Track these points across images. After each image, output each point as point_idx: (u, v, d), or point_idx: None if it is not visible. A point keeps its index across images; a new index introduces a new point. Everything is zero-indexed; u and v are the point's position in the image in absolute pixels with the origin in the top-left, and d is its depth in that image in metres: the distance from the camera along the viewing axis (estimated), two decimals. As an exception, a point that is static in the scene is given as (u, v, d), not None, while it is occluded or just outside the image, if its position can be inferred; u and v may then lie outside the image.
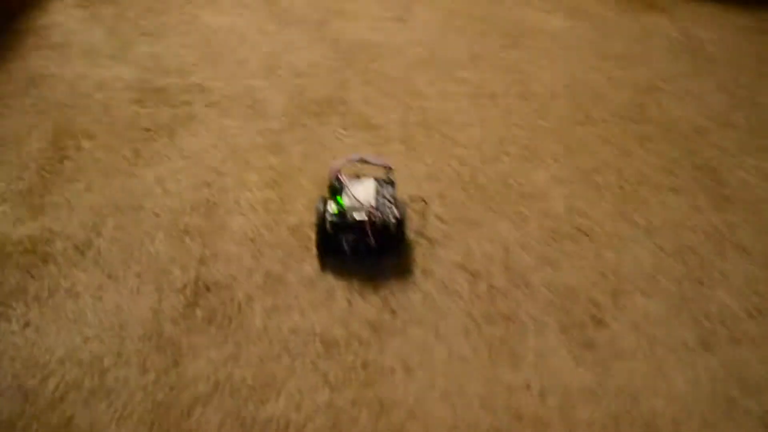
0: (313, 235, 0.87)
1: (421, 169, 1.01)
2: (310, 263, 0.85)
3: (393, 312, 0.80)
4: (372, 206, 0.83)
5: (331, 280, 0.83)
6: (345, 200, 0.83)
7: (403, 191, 0.92)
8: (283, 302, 0.81)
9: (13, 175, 0.97)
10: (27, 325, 0.78)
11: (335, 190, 0.86)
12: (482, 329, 0.79)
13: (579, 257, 0.89)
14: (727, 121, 1.15)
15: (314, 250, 0.86)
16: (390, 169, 0.89)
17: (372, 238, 0.82)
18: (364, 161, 0.91)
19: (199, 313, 0.79)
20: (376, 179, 0.87)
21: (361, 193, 0.84)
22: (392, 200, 0.85)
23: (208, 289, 0.82)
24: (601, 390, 0.74)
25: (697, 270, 0.88)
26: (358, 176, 0.89)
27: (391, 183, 0.88)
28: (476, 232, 0.91)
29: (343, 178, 0.86)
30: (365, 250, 0.84)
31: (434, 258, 0.87)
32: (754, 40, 1.39)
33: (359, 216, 0.82)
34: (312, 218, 0.89)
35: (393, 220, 0.83)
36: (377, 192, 0.85)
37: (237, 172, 0.99)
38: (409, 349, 0.77)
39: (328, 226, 0.83)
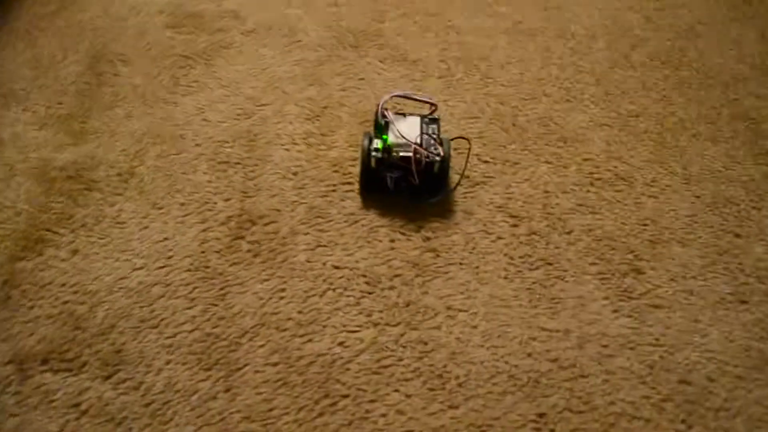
0: (355, 171, 0.87)
1: (461, 107, 1.00)
2: (353, 199, 0.86)
3: (435, 252, 0.81)
4: (417, 143, 0.82)
5: (373, 218, 0.84)
6: (390, 137, 0.82)
7: (444, 129, 0.92)
8: (326, 238, 0.82)
9: (53, 100, 0.96)
10: (75, 252, 0.79)
11: (380, 126, 0.85)
12: (523, 273, 0.80)
13: (618, 204, 0.89)
14: (767, 71, 1.12)
15: (357, 186, 0.85)
16: (435, 106, 0.88)
17: (416, 176, 0.82)
18: (409, 97, 0.90)
19: (244, 245, 0.80)
20: (422, 117, 0.86)
21: (406, 130, 0.83)
22: (437, 138, 0.84)
23: (252, 222, 0.82)
24: (637, 339, 0.75)
25: (733, 222, 0.88)
26: (403, 113, 0.87)
27: (436, 121, 0.87)
28: (517, 175, 0.91)
29: (389, 114, 0.85)
30: (408, 188, 0.84)
31: (475, 199, 0.87)
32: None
33: (404, 153, 0.82)
34: (353, 153, 0.89)
35: (437, 159, 0.82)
36: (422, 129, 0.84)
37: (277, 103, 0.98)
38: (451, 290, 0.78)
39: (372, 162, 0.82)
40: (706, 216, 0.90)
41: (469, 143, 0.90)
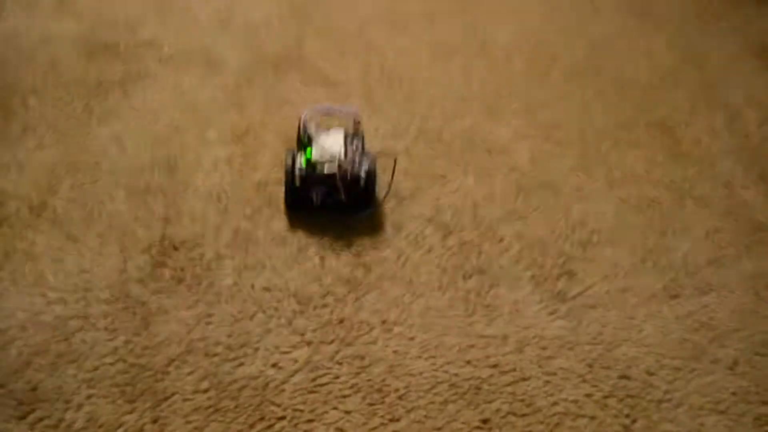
0: (280, 192, 0.85)
1: (385, 126, 1.00)
2: (280, 219, 0.84)
3: (367, 268, 0.80)
4: (342, 158, 0.80)
5: (302, 237, 0.82)
6: (314, 152, 0.81)
7: (369, 147, 0.91)
8: (254, 260, 0.79)
9: None
10: None
11: (303, 142, 0.83)
12: (457, 283, 0.80)
13: (546, 210, 0.90)
14: (676, 79, 1.17)
15: (282, 207, 0.83)
16: (358, 120, 0.86)
17: (342, 191, 0.80)
18: (331, 112, 0.88)
19: (167, 273, 0.77)
20: (345, 131, 0.85)
21: (330, 145, 0.82)
22: (362, 153, 0.83)
23: (175, 248, 0.79)
24: (575, 339, 0.75)
25: (659, 222, 0.90)
26: (326, 128, 0.86)
27: (360, 135, 0.85)
28: (445, 188, 0.91)
29: (311, 130, 0.83)
30: (335, 203, 0.82)
31: (404, 213, 0.87)
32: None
33: (329, 169, 0.80)
34: (278, 174, 0.87)
35: (363, 174, 0.81)
36: (346, 144, 0.83)
37: (197, 128, 0.96)
38: (385, 304, 0.76)
39: (296, 180, 0.80)
40: (633, 217, 0.91)
41: (395, 158, 0.89)
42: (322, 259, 0.80)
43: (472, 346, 0.74)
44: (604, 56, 1.21)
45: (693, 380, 0.73)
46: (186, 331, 0.72)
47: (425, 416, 0.67)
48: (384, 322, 0.75)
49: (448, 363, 0.72)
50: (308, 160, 0.81)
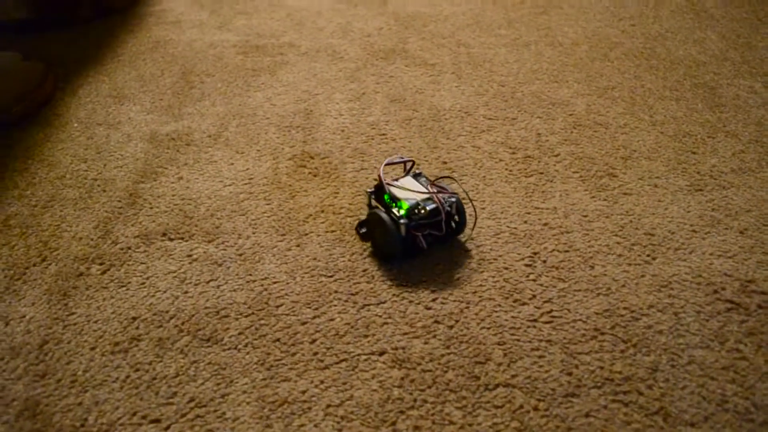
0: (387, 137, 1.14)
1: (469, 89, 1.28)
2: (387, 143, 1.13)
3: (450, 169, 1.06)
4: (433, 192, 0.84)
5: (403, 152, 1.11)
6: (405, 202, 0.84)
7: (455, 104, 1.20)
8: (368, 164, 1.08)
9: (156, 98, 1.28)
10: (180, 178, 1.06)
11: (387, 198, 0.86)
12: (520, 179, 1.05)
13: (597, 139, 1.14)
14: (724, 56, 1.40)
15: (382, 267, 0.88)
16: (413, 163, 0.92)
17: (444, 224, 0.85)
18: (390, 163, 0.91)
19: (306, 171, 1.07)
20: (410, 175, 0.90)
21: (410, 187, 0.87)
22: (435, 186, 0.87)
23: (311, 157, 1.10)
24: (610, 212, 0.98)
25: (692, 146, 1.12)
26: (389, 182, 0.89)
27: (422, 174, 0.90)
28: (514, 126, 1.17)
29: (386, 184, 0.87)
30: (435, 239, 0.87)
31: (481, 139, 1.13)
32: (750, 1, 1.65)
33: (430, 206, 0.83)
34: (386, 117, 1.16)
35: (453, 199, 0.86)
36: (421, 183, 0.88)
37: (326, 93, 1.28)
38: (464, 189, 1.03)
39: (402, 230, 0.82)
40: (669, 143, 1.14)
41: (455, 180, 1.02)
42: (417, 165, 1.08)
43: (529, 213, 0.99)
44: (660, 44, 1.46)
45: (707, 238, 0.94)
46: (320, 200, 1.01)
47: (489, 249, 0.93)
48: (462, 199, 1.01)
49: (510, 222, 0.97)
50: (407, 209, 0.83)
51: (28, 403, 0.72)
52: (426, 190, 0.85)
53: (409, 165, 0.93)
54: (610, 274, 0.86)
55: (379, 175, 0.87)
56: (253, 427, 0.69)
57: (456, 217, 0.87)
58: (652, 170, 1.05)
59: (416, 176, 0.90)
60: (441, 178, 0.95)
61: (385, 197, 0.86)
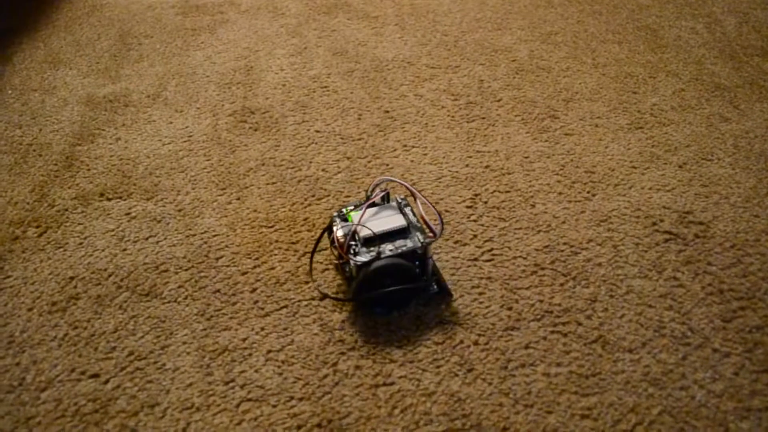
0: (327, 82, 1.12)
1: (412, 40, 1.27)
2: (329, 96, 1.12)
3: (392, 118, 1.06)
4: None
5: (345, 103, 1.10)
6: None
7: (397, 54, 1.19)
8: (309, 117, 1.07)
9: (92, 61, 1.25)
10: (118, 139, 1.04)
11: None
12: (462, 125, 1.05)
13: (539, 83, 1.14)
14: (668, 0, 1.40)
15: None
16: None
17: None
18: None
19: (246, 125, 1.06)
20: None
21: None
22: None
23: (252, 112, 1.08)
24: (551, 152, 0.98)
25: (633, 86, 1.13)
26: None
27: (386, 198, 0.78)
28: (457, 73, 1.17)
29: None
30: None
31: (423, 87, 1.13)
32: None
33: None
34: (327, 70, 1.15)
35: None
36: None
37: (267, 49, 1.26)
38: (407, 137, 1.02)
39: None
40: (611, 84, 1.14)
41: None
42: (359, 115, 1.07)
43: (470, 156, 0.99)
44: (602, -11, 1.45)
45: (646, 173, 0.95)
46: (260, 154, 1.00)
47: (431, 193, 0.92)
48: (405, 146, 1.01)
49: (452, 166, 0.97)
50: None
51: (-37, 366, 0.71)
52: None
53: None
54: (550, 212, 0.86)
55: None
56: (194, 376, 0.68)
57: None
58: (594, 111, 1.06)
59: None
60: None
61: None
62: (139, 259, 0.81)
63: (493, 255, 0.81)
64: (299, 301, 0.76)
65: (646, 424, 0.63)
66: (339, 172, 0.94)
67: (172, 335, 0.72)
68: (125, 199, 0.91)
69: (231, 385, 0.68)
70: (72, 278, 0.80)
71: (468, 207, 0.87)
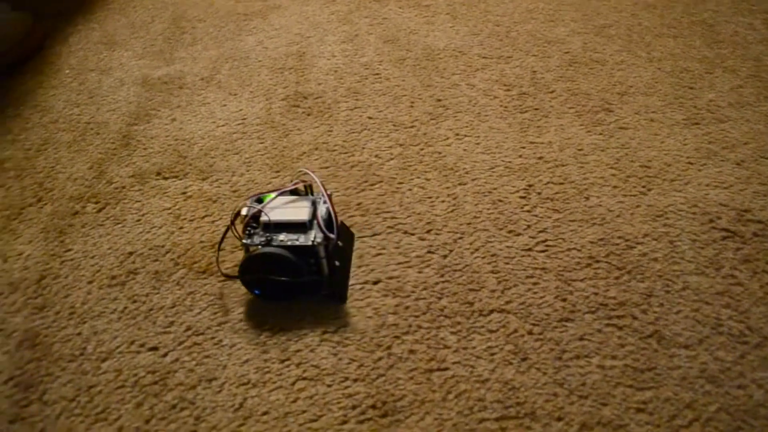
0: (380, 68, 1.12)
1: (464, 29, 1.27)
2: (380, 83, 1.12)
3: (444, 106, 1.06)
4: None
5: (397, 91, 1.10)
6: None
7: (449, 44, 1.19)
8: (362, 103, 1.07)
9: (147, 44, 1.26)
10: (173, 120, 1.06)
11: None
12: (515, 115, 1.04)
13: (593, 76, 1.13)
14: (723, -6, 1.37)
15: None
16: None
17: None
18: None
19: (299, 110, 1.06)
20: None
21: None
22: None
23: (304, 97, 1.09)
24: (606, 146, 0.98)
25: (689, 81, 1.11)
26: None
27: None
28: (509, 64, 1.16)
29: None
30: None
31: (475, 77, 1.12)
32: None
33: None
34: (379, 58, 1.15)
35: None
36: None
37: (318, 35, 1.26)
38: (459, 125, 1.02)
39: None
40: (666, 78, 1.13)
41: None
42: (411, 102, 1.07)
43: (524, 147, 0.98)
44: (657, -17, 1.43)
45: (703, 170, 0.94)
46: (313, 138, 1.00)
47: (484, 183, 0.92)
48: (457, 134, 1.01)
49: (505, 156, 0.97)
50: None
51: (28, 334, 0.73)
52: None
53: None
54: (605, 205, 0.86)
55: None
56: (250, 353, 0.69)
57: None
58: (649, 105, 1.05)
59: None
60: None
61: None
62: (195, 238, 0.82)
63: (547, 246, 0.80)
64: (353, 284, 0.76)
65: (703, 421, 0.62)
66: (391, 159, 0.95)
67: (229, 312, 0.73)
68: (181, 179, 0.92)
69: (286, 363, 0.68)
70: (131, 254, 0.81)
71: (521, 197, 0.87)
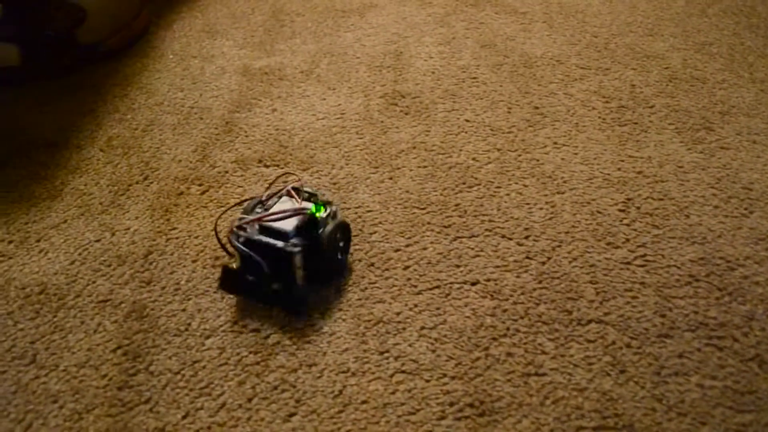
0: (480, 74, 1.13)
1: (561, 38, 1.26)
2: (478, 86, 1.12)
3: (542, 114, 1.06)
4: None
5: (495, 96, 1.10)
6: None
7: (546, 52, 1.18)
8: (459, 106, 1.08)
9: (247, 34, 1.30)
10: (274, 110, 1.08)
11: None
12: (613, 128, 1.04)
13: (693, 93, 1.11)
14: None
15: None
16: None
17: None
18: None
19: (397, 108, 1.08)
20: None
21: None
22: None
23: (402, 96, 1.10)
24: (706, 165, 0.96)
25: (794, 105, 1.09)
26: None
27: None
28: (607, 76, 1.16)
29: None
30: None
31: (573, 87, 1.12)
32: None
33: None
34: (476, 62, 1.16)
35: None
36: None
37: (415, 36, 1.28)
38: (557, 134, 1.02)
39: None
40: (769, 101, 1.11)
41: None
42: (508, 108, 1.08)
43: (623, 160, 0.98)
44: (760, 2, 1.40)
45: (807, 195, 0.92)
46: (411, 137, 1.02)
47: (582, 193, 0.92)
48: (555, 143, 1.01)
49: (603, 168, 0.96)
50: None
51: (136, 306, 0.76)
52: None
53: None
54: (705, 224, 0.85)
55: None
56: (349, 342, 0.71)
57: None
58: (751, 126, 1.03)
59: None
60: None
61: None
62: (297, 226, 0.84)
63: (646, 261, 0.80)
64: (451, 283, 0.77)
65: (808, 449, 0.61)
66: (489, 163, 0.95)
67: (328, 301, 0.75)
68: (282, 168, 0.95)
69: (385, 355, 0.70)
70: (234, 237, 0.83)
71: (620, 210, 0.87)
